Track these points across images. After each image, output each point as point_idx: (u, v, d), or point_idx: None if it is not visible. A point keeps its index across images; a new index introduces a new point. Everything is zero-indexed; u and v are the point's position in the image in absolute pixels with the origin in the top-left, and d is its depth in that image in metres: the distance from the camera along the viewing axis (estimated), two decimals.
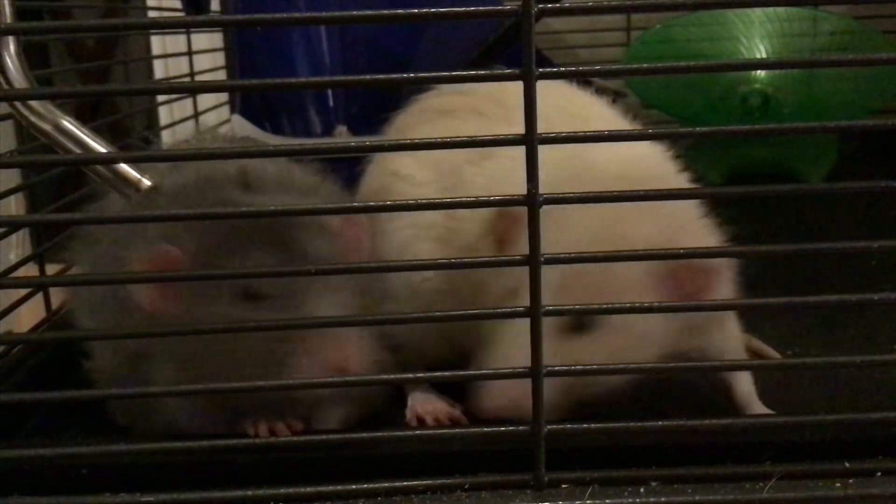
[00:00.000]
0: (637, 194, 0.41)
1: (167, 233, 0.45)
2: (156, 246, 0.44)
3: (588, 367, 0.44)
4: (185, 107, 1.11)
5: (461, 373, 0.44)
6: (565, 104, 0.54)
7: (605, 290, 0.44)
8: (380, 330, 0.47)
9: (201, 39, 1.14)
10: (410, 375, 0.43)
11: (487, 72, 0.39)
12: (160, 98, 1.08)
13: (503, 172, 0.50)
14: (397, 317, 0.47)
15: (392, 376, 0.45)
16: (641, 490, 0.42)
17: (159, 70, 1.20)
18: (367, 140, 0.41)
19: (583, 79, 1.02)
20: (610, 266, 0.44)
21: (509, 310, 0.41)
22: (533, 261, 0.39)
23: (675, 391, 0.53)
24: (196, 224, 0.44)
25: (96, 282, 0.46)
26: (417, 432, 0.44)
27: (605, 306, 0.42)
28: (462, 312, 0.42)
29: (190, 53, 1.04)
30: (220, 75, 1.14)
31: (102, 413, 0.52)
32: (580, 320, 0.45)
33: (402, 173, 0.54)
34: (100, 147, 0.48)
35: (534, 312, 0.40)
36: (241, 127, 0.92)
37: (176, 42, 1.17)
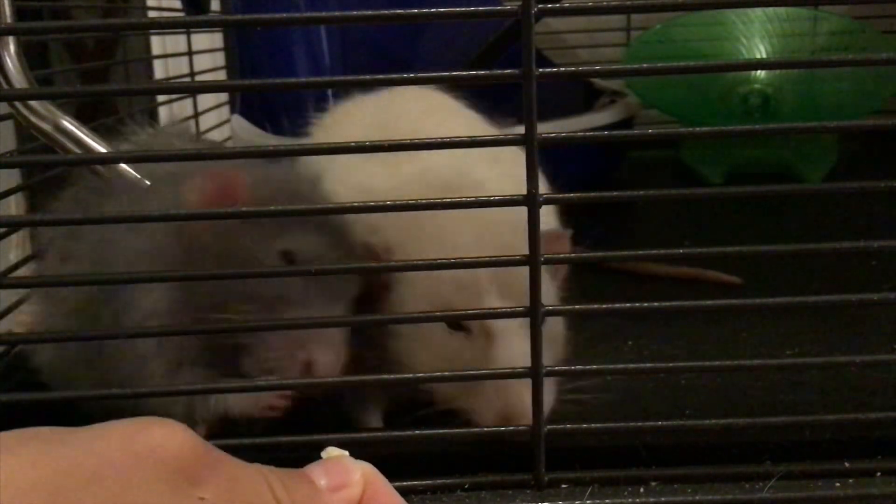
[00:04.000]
0: (637, 195, 0.41)
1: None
2: (217, 169, 0.43)
3: (586, 367, 0.44)
4: (185, 107, 1.11)
5: (459, 373, 0.44)
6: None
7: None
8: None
9: (201, 39, 1.14)
10: (407, 376, 0.43)
11: (487, 72, 0.39)
12: (160, 98, 1.08)
13: None
14: (395, 317, 0.47)
15: (386, 377, 0.45)
16: (641, 490, 0.42)
17: (159, 70, 1.20)
18: (367, 140, 0.41)
19: (582, 79, 1.03)
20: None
21: (509, 309, 0.41)
22: (533, 261, 0.39)
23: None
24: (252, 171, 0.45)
25: (95, 282, 0.46)
26: (417, 432, 0.44)
27: (603, 306, 0.42)
28: (463, 312, 0.42)
29: (190, 53, 1.04)
30: (220, 75, 1.14)
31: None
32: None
33: None
34: (100, 147, 0.48)
35: (534, 312, 0.40)
36: (241, 127, 0.92)
37: (176, 42, 1.17)
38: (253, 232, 0.45)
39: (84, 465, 0.22)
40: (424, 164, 0.50)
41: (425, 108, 0.55)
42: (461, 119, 0.57)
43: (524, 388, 0.43)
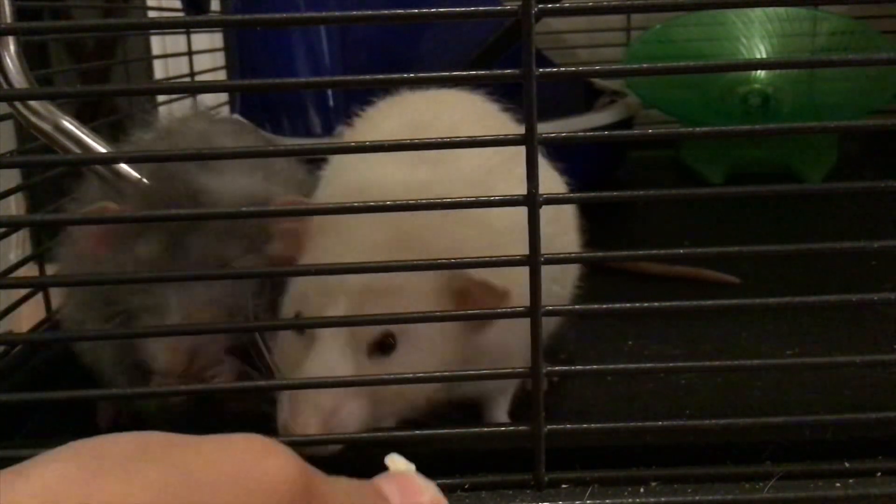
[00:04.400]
0: (637, 195, 0.41)
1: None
2: (98, 203, 0.48)
3: (586, 367, 0.44)
4: (184, 107, 1.11)
5: (459, 373, 0.44)
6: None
7: (401, 303, 0.43)
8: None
9: (201, 39, 1.14)
10: (408, 375, 0.43)
11: (487, 72, 0.39)
12: (160, 98, 1.08)
13: None
14: (394, 316, 0.47)
15: (393, 376, 0.45)
16: (641, 490, 0.42)
17: (159, 70, 1.20)
18: (367, 140, 0.41)
19: (582, 79, 1.03)
20: (405, 279, 0.43)
21: (509, 310, 0.41)
22: (533, 261, 0.39)
23: None
24: (142, 188, 0.49)
25: (96, 282, 0.47)
26: (417, 432, 0.44)
27: (603, 306, 0.42)
28: (462, 312, 0.42)
29: (190, 53, 1.04)
30: (220, 75, 1.14)
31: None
32: (384, 341, 0.44)
33: None
34: (100, 147, 0.48)
35: (534, 312, 0.40)
36: None
37: (176, 42, 1.17)
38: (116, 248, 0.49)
39: (190, 499, 0.22)
40: (457, 164, 0.50)
41: (465, 110, 0.55)
42: (498, 123, 0.56)
43: (311, 412, 0.42)
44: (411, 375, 0.43)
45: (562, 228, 0.53)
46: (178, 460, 0.22)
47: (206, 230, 0.48)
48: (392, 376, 0.42)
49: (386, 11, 0.37)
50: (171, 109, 1.08)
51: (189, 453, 0.23)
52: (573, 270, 0.55)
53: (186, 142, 0.56)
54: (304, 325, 0.45)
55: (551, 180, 0.54)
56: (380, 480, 0.28)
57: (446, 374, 0.44)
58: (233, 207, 0.48)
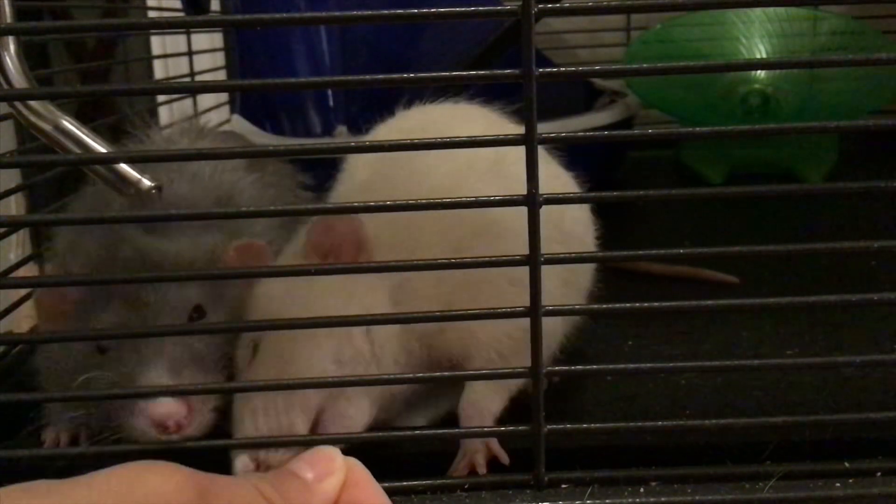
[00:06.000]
0: (637, 195, 0.41)
1: (74, 249, 0.52)
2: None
3: (586, 367, 0.44)
4: (185, 107, 1.11)
5: (460, 373, 0.44)
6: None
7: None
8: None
9: (201, 39, 1.14)
10: (408, 376, 0.43)
11: (487, 72, 0.39)
12: (160, 98, 1.08)
13: None
14: (391, 316, 0.47)
15: (385, 376, 0.45)
16: (641, 490, 0.42)
17: (159, 70, 1.20)
18: (367, 140, 0.41)
19: (582, 79, 1.03)
20: None
21: (509, 310, 0.41)
22: (533, 261, 0.39)
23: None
24: (86, 252, 0.50)
25: (95, 282, 0.47)
26: (417, 432, 0.44)
27: (603, 306, 0.42)
28: (461, 312, 0.42)
29: (190, 53, 1.04)
30: (220, 75, 1.14)
31: None
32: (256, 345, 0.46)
33: None
34: (100, 147, 0.48)
35: (534, 312, 0.40)
36: (241, 127, 0.92)
37: (176, 42, 1.17)
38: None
39: None
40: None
41: (464, 123, 0.56)
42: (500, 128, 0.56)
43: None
44: (412, 376, 0.43)
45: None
46: (59, 494, 0.24)
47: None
48: (398, 376, 0.42)
49: (386, 11, 0.37)
50: (171, 109, 1.08)
51: (71, 486, 0.24)
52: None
53: (177, 164, 0.55)
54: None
55: (556, 179, 0.54)
56: (291, 464, 0.30)
57: (446, 374, 0.44)
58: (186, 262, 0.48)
